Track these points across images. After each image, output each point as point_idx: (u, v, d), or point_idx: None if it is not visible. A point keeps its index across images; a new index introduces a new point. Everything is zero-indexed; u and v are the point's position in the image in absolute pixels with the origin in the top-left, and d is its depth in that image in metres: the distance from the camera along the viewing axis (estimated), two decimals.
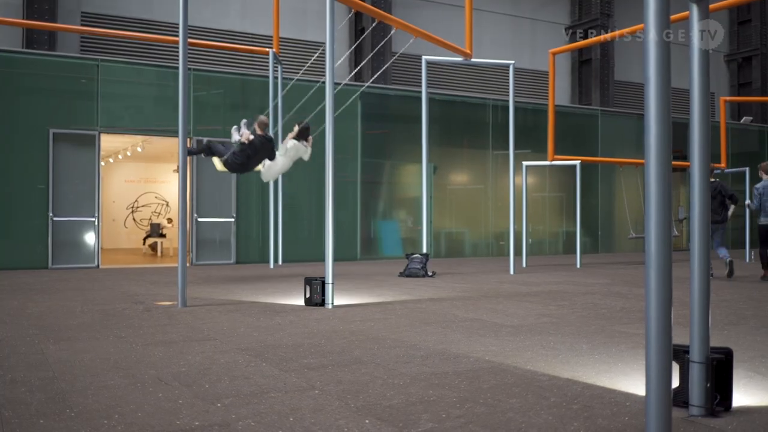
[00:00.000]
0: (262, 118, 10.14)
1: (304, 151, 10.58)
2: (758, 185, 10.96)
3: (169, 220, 21.10)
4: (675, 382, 3.20)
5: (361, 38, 18.18)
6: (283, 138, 11.88)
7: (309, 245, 15.56)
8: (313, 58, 15.53)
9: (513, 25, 21.69)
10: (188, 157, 11.51)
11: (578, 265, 14.32)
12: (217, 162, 10.00)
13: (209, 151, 10.16)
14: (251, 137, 9.67)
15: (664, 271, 2.55)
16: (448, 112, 18.09)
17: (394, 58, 15.47)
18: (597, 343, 5.20)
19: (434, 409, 3.34)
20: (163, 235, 19.37)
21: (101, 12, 16.09)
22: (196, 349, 4.96)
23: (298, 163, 15.54)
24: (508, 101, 13.31)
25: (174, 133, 13.76)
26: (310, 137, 10.61)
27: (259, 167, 10.34)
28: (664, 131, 2.55)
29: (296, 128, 10.41)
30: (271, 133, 14.03)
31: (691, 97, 3.28)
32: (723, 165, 17.12)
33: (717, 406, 3.24)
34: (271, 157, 10.18)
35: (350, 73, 18.77)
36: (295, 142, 10.37)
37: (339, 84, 12.76)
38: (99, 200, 13.91)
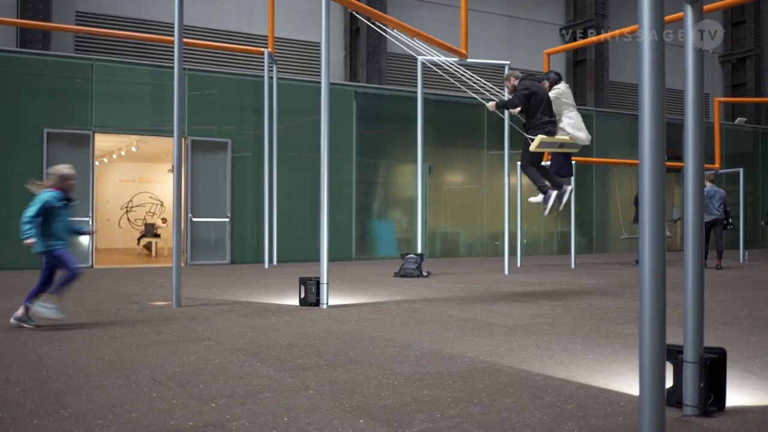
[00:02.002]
0: None
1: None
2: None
3: (164, 220, 21.06)
4: (669, 382, 3.21)
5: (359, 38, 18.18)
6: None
7: (304, 245, 15.55)
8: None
9: (508, 25, 21.71)
10: (182, 157, 11.35)
11: (573, 266, 14.34)
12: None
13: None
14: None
15: (658, 272, 2.56)
16: (443, 112, 18.10)
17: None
18: (591, 343, 5.22)
19: (429, 409, 3.35)
20: (157, 235, 19.33)
21: (96, 11, 16.05)
22: (191, 349, 4.95)
23: (297, 162, 15.58)
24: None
25: (169, 133, 13.73)
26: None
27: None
28: (659, 132, 2.56)
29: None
30: (266, 135, 14.02)
31: (685, 98, 3.28)
32: (717, 166, 17.17)
33: (710, 406, 3.25)
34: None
35: (345, 74, 18.78)
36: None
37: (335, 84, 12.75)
38: (93, 200, 13.87)
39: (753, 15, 25.75)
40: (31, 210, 5.86)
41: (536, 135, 8.07)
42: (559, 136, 8.27)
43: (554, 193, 8.32)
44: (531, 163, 8.43)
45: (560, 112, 8.48)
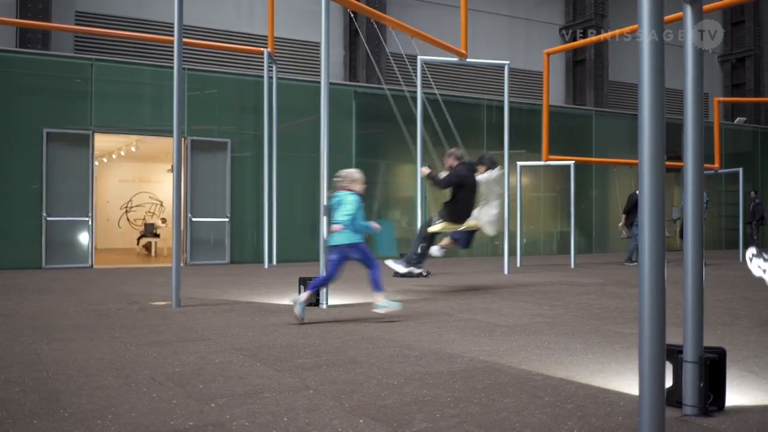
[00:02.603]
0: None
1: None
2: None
3: (163, 220, 21.05)
4: (668, 382, 3.21)
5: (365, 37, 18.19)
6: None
7: (303, 245, 15.55)
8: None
9: (508, 25, 21.71)
10: (182, 157, 11.30)
11: (572, 265, 14.35)
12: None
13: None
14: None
15: (657, 271, 2.56)
16: (443, 112, 18.08)
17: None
18: (591, 342, 5.22)
19: (428, 409, 3.35)
20: (157, 235, 19.33)
21: (95, 11, 16.05)
22: (191, 349, 4.95)
23: (296, 162, 15.58)
24: (502, 101, 13.34)
25: (168, 133, 13.72)
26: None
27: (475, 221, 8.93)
28: (658, 132, 2.56)
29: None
30: (265, 135, 14.02)
31: (684, 98, 3.29)
32: (717, 165, 17.18)
33: (710, 406, 3.25)
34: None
35: (345, 73, 18.78)
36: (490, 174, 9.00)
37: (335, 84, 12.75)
38: (93, 200, 13.87)
39: (752, 15, 25.75)
40: (350, 208, 6.44)
41: (444, 220, 8.75)
42: (470, 222, 8.80)
43: (402, 269, 9.06)
44: (423, 237, 9.12)
45: (485, 199, 8.93)
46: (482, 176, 8.88)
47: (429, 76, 13.12)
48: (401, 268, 9.01)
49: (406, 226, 17.54)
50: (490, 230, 8.94)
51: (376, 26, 14.74)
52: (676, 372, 3.32)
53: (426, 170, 9.03)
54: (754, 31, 25.72)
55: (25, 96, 13.48)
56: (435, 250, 9.18)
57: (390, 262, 9.05)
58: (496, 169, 9.03)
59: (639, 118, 2.61)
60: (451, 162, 8.99)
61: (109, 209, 22.47)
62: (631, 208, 14.69)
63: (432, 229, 8.90)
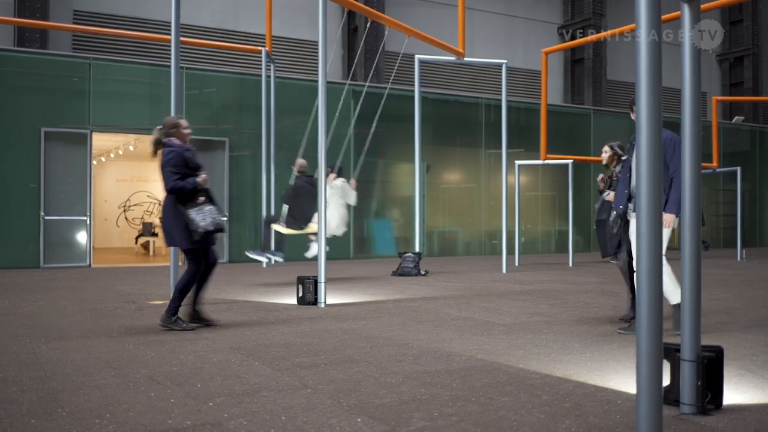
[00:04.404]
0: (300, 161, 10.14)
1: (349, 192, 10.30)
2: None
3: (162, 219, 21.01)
4: (666, 381, 3.21)
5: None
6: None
7: (302, 244, 15.54)
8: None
9: (506, 24, 21.71)
10: None
11: (571, 264, 14.35)
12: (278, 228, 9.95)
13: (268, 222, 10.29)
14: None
15: (655, 271, 2.57)
16: (441, 111, 18.11)
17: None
18: (589, 341, 5.22)
19: (426, 408, 3.35)
20: (155, 234, 19.31)
21: (93, 10, 16.02)
22: (189, 348, 4.95)
23: (291, 160, 15.54)
24: (500, 100, 13.34)
25: None
26: (353, 180, 10.51)
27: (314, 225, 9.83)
28: (656, 131, 2.56)
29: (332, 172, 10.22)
30: (263, 134, 14.02)
31: (682, 97, 3.29)
32: (715, 164, 17.20)
33: (708, 404, 3.25)
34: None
35: (343, 72, 18.77)
36: (341, 181, 10.19)
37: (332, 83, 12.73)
38: (91, 199, 13.85)
39: (751, 14, 25.76)
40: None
41: (289, 226, 9.75)
42: (310, 228, 9.83)
43: (266, 257, 10.46)
44: (268, 223, 10.24)
45: (330, 203, 9.93)
46: (328, 187, 9.93)
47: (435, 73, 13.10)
48: (259, 256, 10.30)
49: (404, 225, 17.54)
50: (334, 233, 10.12)
51: (374, 25, 14.75)
52: (674, 370, 3.33)
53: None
54: (752, 30, 25.74)
55: (23, 95, 13.45)
56: (313, 250, 10.26)
57: (250, 253, 10.35)
58: (339, 180, 10.14)
59: (637, 117, 2.61)
60: (296, 171, 10.17)
61: (107, 208, 22.44)
62: None
63: (280, 230, 9.85)
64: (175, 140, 6.02)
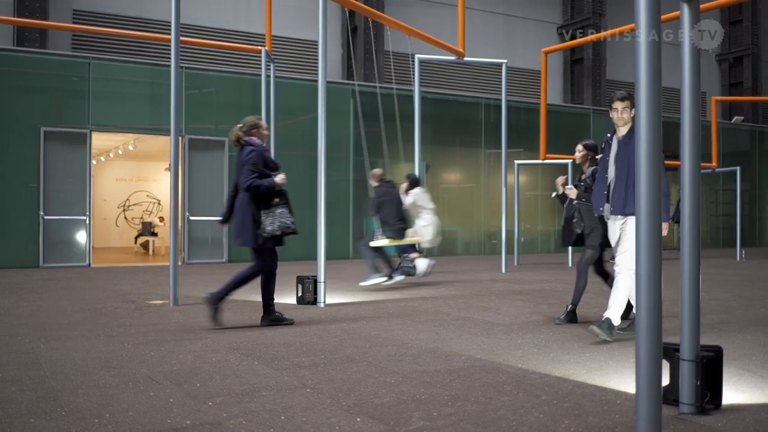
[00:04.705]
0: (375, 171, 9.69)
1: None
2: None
3: (161, 219, 21.03)
4: (665, 380, 3.21)
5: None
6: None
7: (301, 244, 15.54)
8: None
9: (505, 24, 21.71)
10: (179, 156, 11.30)
11: (570, 264, 14.35)
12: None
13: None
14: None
15: (654, 270, 2.57)
16: (441, 111, 18.10)
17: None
18: (588, 341, 5.22)
19: (426, 407, 3.35)
20: (154, 234, 19.31)
21: (93, 10, 16.02)
22: (188, 347, 4.95)
23: (294, 161, 15.56)
24: (500, 100, 13.34)
25: (166, 132, 13.72)
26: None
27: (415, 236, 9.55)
28: (655, 131, 2.56)
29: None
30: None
31: (682, 97, 3.29)
32: (714, 164, 17.20)
33: (707, 404, 3.25)
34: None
35: (343, 72, 18.77)
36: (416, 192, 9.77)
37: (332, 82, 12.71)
38: (90, 199, 13.84)
39: (750, 14, 25.77)
40: None
41: (385, 236, 9.08)
42: (408, 239, 9.37)
43: (383, 277, 9.32)
44: (367, 247, 9.40)
45: (416, 214, 9.63)
46: (407, 199, 9.61)
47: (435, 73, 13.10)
48: (371, 277, 9.42)
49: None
50: (428, 239, 9.64)
51: (373, 25, 14.76)
52: (673, 370, 3.33)
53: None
54: (751, 30, 25.74)
55: (23, 94, 13.45)
56: (423, 266, 9.80)
57: (364, 283, 9.51)
58: (417, 188, 9.76)
59: (636, 117, 2.61)
60: (374, 183, 9.58)
61: (107, 208, 22.43)
62: None
63: (373, 244, 9.28)
64: (256, 140, 6.16)
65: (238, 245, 6.09)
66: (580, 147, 6.34)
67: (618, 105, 5.32)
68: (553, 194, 6.65)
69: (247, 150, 6.04)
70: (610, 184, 5.39)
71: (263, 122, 6.25)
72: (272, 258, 6.07)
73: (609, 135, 5.51)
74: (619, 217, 5.31)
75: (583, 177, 6.26)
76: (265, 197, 5.92)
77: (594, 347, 4.98)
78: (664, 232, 5.20)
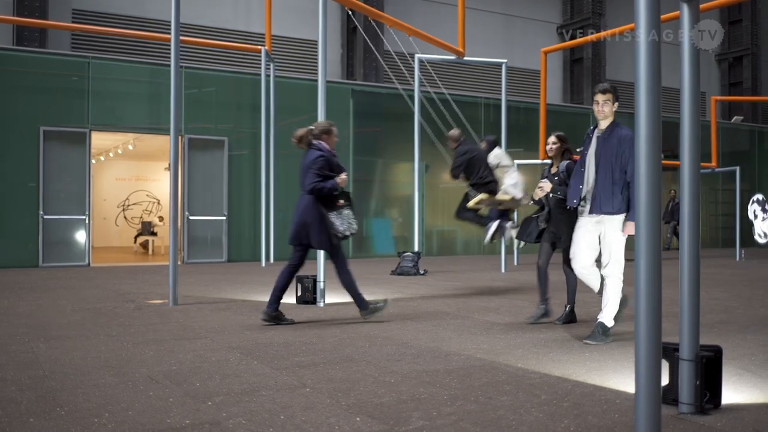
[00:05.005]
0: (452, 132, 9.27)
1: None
2: None
3: (161, 218, 21.02)
4: (665, 380, 3.21)
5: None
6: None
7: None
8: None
9: (505, 23, 21.71)
10: (179, 155, 11.23)
11: None
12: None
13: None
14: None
15: (654, 270, 2.57)
16: (440, 111, 18.08)
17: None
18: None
19: (425, 407, 3.35)
20: (154, 234, 19.31)
21: (92, 9, 16.01)
22: (187, 347, 4.95)
23: (294, 160, 15.56)
24: (500, 100, 13.34)
25: (165, 131, 13.71)
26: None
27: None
28: (655, 130, 2.56)
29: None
30: (263, 133, 13.98)
31: (681, 97, 3.29)
32: (714, 164, 17.20)
33: (706, 404, 3.25)
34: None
35: (342, 72, 18.76)
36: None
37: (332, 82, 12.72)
38: (90, 198, 13.84)
39: (750, 14, 25.76)
40: None
41: (479, 192, 8.61)
42: (500, 196, 8.68)
43: (495, 223, 8.76)
44: (465, 211, 9.02)
45: (501, 175, 8.98)
46: (490, 160, 8.99)
47: (432, 72, 13.11)
48: (486, 229, 8.93)
49: (403, 224, 17.54)
50: (521, 196, 8.89)
51: (374, 24, 14.75)
52: (673, 370, 3.33)
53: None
54: (751, 29, 25.74)
55: (22, 94, 13.44)
56: (509, 228, 9.02)
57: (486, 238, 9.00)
58: (496, 148, 9.22)
59: (636, 116, 2.61)
60: (452, 145, 9.14)
61: (106, 207, 22.43)
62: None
63: (471, 204, 8.74)
64: (324, 144, 6.21)
65: (317, 248, 6.27)
66: (553, 139, 6.17)
67: (599, 98, 5.15)
68: (531, 200, 6.41)
69: (315, 154, 6.11)
70: (587, 180, 5.21)
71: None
72: (342, 252, 6.23)
73: (591, 129, 5.36)
74: (594, 215, 5.15)
75: (555, 170, 6.09)
76: (329, 199, 6.06)
77: (593, 347, 4.98)
78: (632, 231, 4.99)
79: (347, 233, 6.07)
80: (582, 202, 5.26)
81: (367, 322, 6.24)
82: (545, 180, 6.02)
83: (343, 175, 6.11)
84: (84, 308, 7.12)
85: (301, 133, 6.21)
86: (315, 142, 6.19)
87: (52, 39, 15.50)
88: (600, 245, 5.25)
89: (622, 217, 5.12)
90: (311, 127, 6.28)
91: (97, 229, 19.83)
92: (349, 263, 6.37)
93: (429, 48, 14.35)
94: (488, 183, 8.72)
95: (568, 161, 6.05)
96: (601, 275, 5.39)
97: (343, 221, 6.06)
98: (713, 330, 5.71)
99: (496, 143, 9.43)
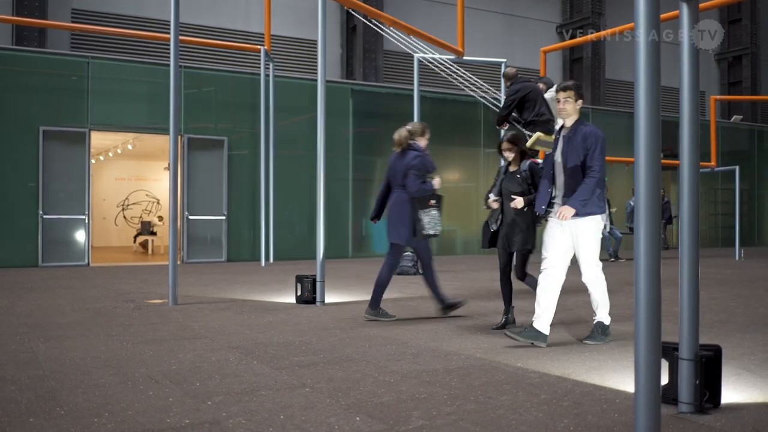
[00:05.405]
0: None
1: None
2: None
3: (160, 218, 21.02)
4: (664, 379, 3.21)
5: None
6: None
7: (300, 243, 15.54)
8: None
9: (505, 23, 21.71)
10: (178, 155, 11.19)
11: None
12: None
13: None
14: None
15: (653, 269, 2.57)
16: (440, 110, 18.09)
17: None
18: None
19: (425, 407, 3.35)
20: (153, 233, 19.31)
21: (91, 9, 16.01)
22: (187, 347, 4.95)
23: (293, 160, 15.57)
24: (499, 99, 13.33)
25: (165, 131, 13.71)
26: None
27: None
28: (654, 130, 2.57)
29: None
30: (262, 133, 13.99)
31: (681, 96, 3.29)
32: (713, 164, 17.21)
33: (706, 403, 3.26)
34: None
35: (342, 71, 18.77)
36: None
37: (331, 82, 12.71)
38: (89, 198, 13.84)
39: (749, 13, 25.77)
40: None
41: (534, 132, 7.92)
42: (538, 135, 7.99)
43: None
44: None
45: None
46: (546, 95, 8.42)
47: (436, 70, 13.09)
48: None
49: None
50: None
51: (373, 24, 14.76)
52: (672, 369, 3.33)
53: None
54: (750, 29, 25.74)
55: (22, 94, 13.44)
56: None
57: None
58: (552, 89, 8.48)
59: (635, 116, 2.61)
60: (506, 83, 8.68)
61: (106, 207, 22.43)
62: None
63: (529, 144, 7.79)
64: (420, 144, 6.49)
65: (392, 240, 6.56)
66: (507, 145, 5.81)
67: (560, 95, 4.97)
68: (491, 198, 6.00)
69: (412, 154, 6.37)
70: (557, 184, 5.05)
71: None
72: (428, 250, 6.64)
73: (557, 129, 5.19)
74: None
75: (515, 169, 5.79)
76: (422, 198, 6.34)
77: (593, 346, 4.99)
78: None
79: (431, 232, 6.35)
80: (551, 209, 5.11)
81: (367, 321, 6.25)
82: (519, 199, 5.60)
83: (438, 179, 6.44)
84: (83, 308, 7.12)
85: (402, 136, 6.44)
86: (413, 143, 6.46)
87: (51, 39, 15.49)
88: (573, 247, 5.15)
89: (593, 218, 4.96)
90: (408, 128, 6.53)
91: (97, 229, 19.83)
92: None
93: (429, 48, 14.34)
94: (546, 121, 7.99)
95: (530, 161, 5.79)
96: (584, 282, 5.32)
97: (431, 220, 6.34)
98: (713, 329, 5.71)
99: (552, 84, 8.71)
